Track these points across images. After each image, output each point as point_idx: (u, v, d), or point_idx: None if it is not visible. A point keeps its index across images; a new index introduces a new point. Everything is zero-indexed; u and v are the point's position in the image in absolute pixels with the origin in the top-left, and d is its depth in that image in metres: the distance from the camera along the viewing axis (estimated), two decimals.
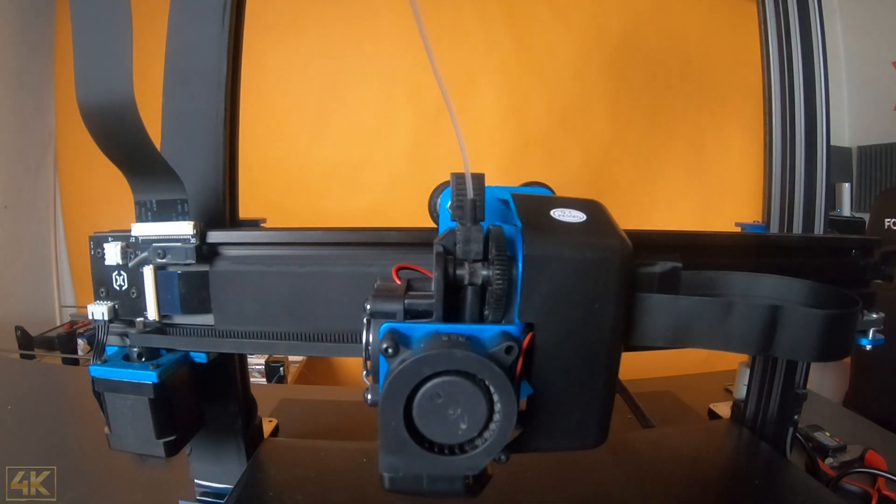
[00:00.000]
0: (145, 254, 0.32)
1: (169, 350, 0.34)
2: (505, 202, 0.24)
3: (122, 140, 0.29)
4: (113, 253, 0.32)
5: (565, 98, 1.35)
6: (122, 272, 0.33)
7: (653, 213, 1.43)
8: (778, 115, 0.48)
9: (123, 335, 0.34)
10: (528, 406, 0.20)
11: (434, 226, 0.30)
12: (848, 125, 1.64)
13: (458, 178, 0.20)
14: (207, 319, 0.33)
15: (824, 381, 1.17)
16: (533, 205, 0.21)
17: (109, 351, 0.34)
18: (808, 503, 0.41)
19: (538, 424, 0.20)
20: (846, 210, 1.59)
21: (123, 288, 0.33)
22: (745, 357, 0.53)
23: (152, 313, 0.32)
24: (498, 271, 0.19)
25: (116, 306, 0.33)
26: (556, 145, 1.40)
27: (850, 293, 0.21)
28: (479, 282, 0.19)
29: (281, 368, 1.28)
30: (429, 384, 0.17)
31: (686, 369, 0.88)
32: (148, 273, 0.32)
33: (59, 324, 1.50)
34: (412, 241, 0.32)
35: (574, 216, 0.20)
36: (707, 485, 0.44)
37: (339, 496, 0.40)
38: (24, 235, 1.51)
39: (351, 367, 1.50)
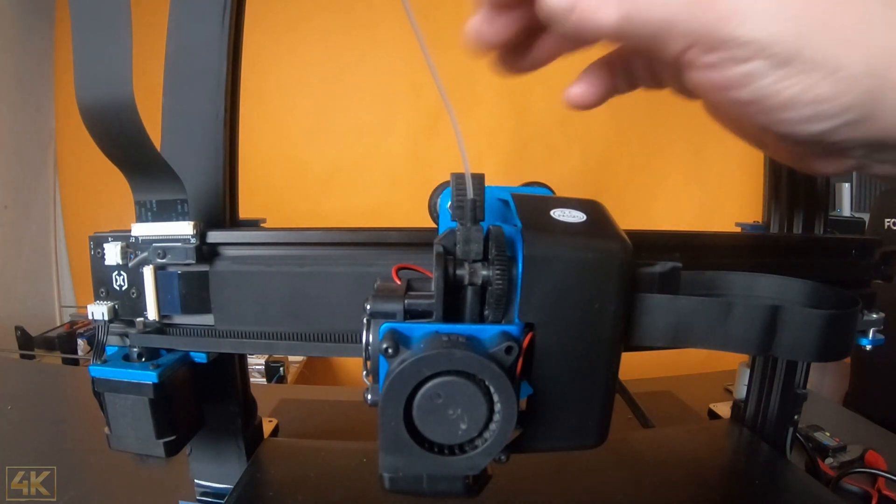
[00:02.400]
0: (145, 254, 0.32)
1: (169, 350, 0.34)
2: (505, 202, 0.24)
3: (122, 140, 0.29)
4: (113, 253, 0.32)
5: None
6: (122, 272, 0.33)
7: (653, 213, 1.43)
8: None
9: (123, 335, 0.34)
10: (528, 406, 0.20)
11: (434, 226, 0.30)
12: None
13: (458, 178, 0.20)
14: (207, 319, 0.33)
15: (824, 381, 1.17)
16: (533, 205, 0.21)
17: (109, 351, 0.34)
18: (808, 503, 0.41)
19: (538, 424, 0.20)
20: (846, 210, 1.59)
21: (123, 288, 0.33)
22: (745, 357, 0.53)
23: (152, 313, 0.32)
24: (498, 271, 0.19)
25: (116, 306, 0.33)
26: (556, 145, 1.40)
27: (850, 293, 0.21)
28: (479, 282, 0.19)
29: (281, 368, 1.28)
30: (429, 384, 0.17)
31: (686, 369, 0.88)
32: (148, 273, 0.32)
33: (59, 324, 1.50)
34: (412, 241, 0.32)
35: (574, 216, 0.20)
36: (707, 485, 0.44)
37: (339, 496, 0.40)
38: (24, 235, 1.51)
39: (351, 367, 1.50)
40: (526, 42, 0.24)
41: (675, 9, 0.17)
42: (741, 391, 0.52)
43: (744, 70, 0.16)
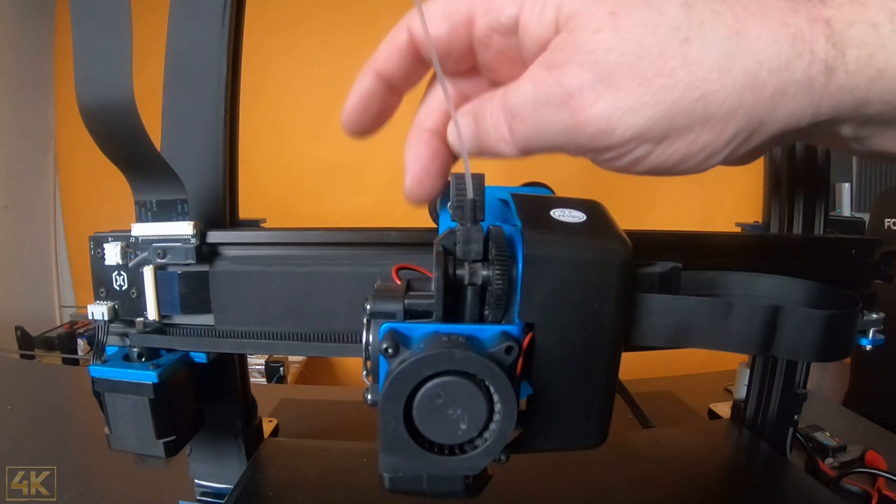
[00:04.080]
0: (145, 254, 0.32)
1: (169, 350, 0.34)
2: (505, 202, 0.24)
3: (122, 140, 0.29)
4: (113, 253, 0.32)
5: None
6: (122, 272, 0.33)
7: (653, 213, 1.43)
8: None
9: (123, 335, 0.34)
10: (528, 406, 0.20)
11: (434, 226, 0.30)
12: None
13: (458, 178, 0.20)
14: (207, 319, 0.33)
15: (824, 381, 1.17)
16: (533, 205, 0.21)
17: (109, 351, 0.34)
18: (807, 503, 0.41)
19: (538, 425, 0.20)
20: (846, 210, 1.59)
21: (123, 288, 0.33)
22: (745, 357, 0.53)
23: (152, 313, 0.32)
24: (498, 271, 0.19)
25: (116, 306, 0.33)
26: None
27: (850, 293, 0.21)
28: (479, 282, 0.19)
29: (281, 368, 1.28)
30: (428, 384, 0.17)
31: (686, 369, 0.88)
32: (148, 273, 0.32)
33: (59, 324, 1.51)
34: (412, 241, 0.32)
35: (574, 216, 0.20)
36: (707, 485, 0.44)
37: (339, 496, 0.40)
38: (24, 235, 1.51)
39: (351, 367, 1.50)
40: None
41: (556, 136, 0.19)
42: (741, 391, 0.52)
43: (633, 157, 0.19)
